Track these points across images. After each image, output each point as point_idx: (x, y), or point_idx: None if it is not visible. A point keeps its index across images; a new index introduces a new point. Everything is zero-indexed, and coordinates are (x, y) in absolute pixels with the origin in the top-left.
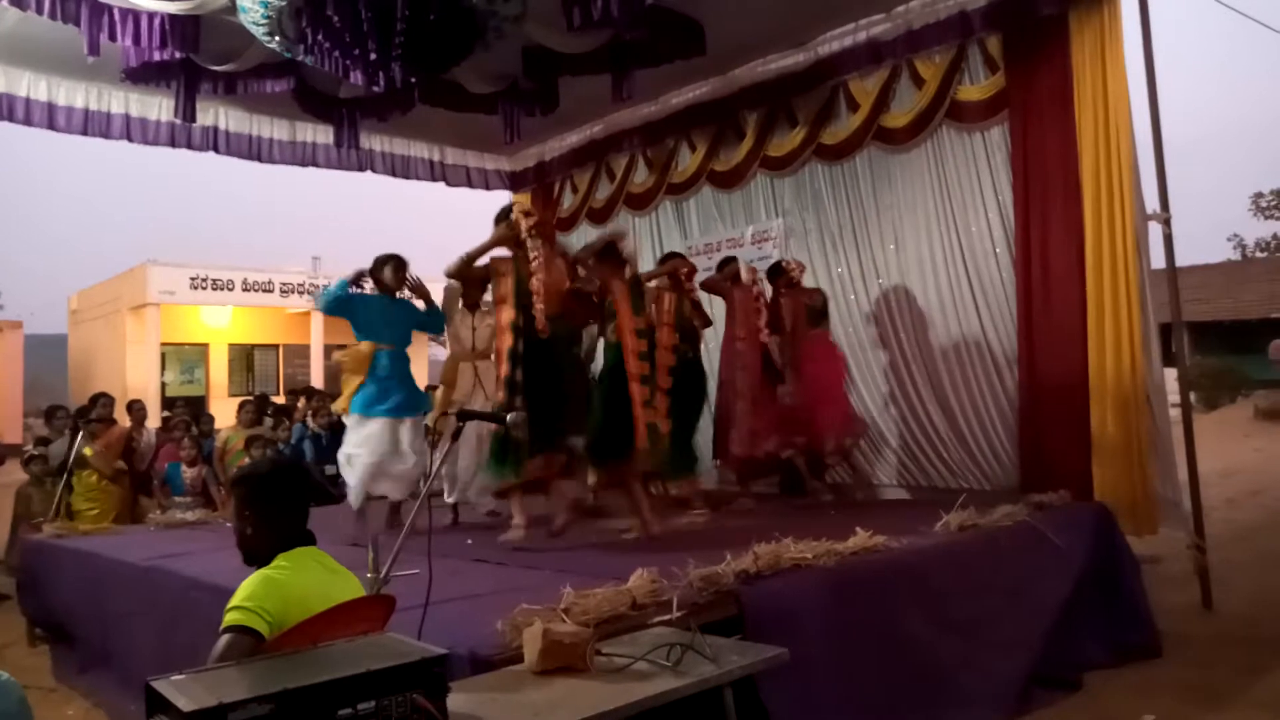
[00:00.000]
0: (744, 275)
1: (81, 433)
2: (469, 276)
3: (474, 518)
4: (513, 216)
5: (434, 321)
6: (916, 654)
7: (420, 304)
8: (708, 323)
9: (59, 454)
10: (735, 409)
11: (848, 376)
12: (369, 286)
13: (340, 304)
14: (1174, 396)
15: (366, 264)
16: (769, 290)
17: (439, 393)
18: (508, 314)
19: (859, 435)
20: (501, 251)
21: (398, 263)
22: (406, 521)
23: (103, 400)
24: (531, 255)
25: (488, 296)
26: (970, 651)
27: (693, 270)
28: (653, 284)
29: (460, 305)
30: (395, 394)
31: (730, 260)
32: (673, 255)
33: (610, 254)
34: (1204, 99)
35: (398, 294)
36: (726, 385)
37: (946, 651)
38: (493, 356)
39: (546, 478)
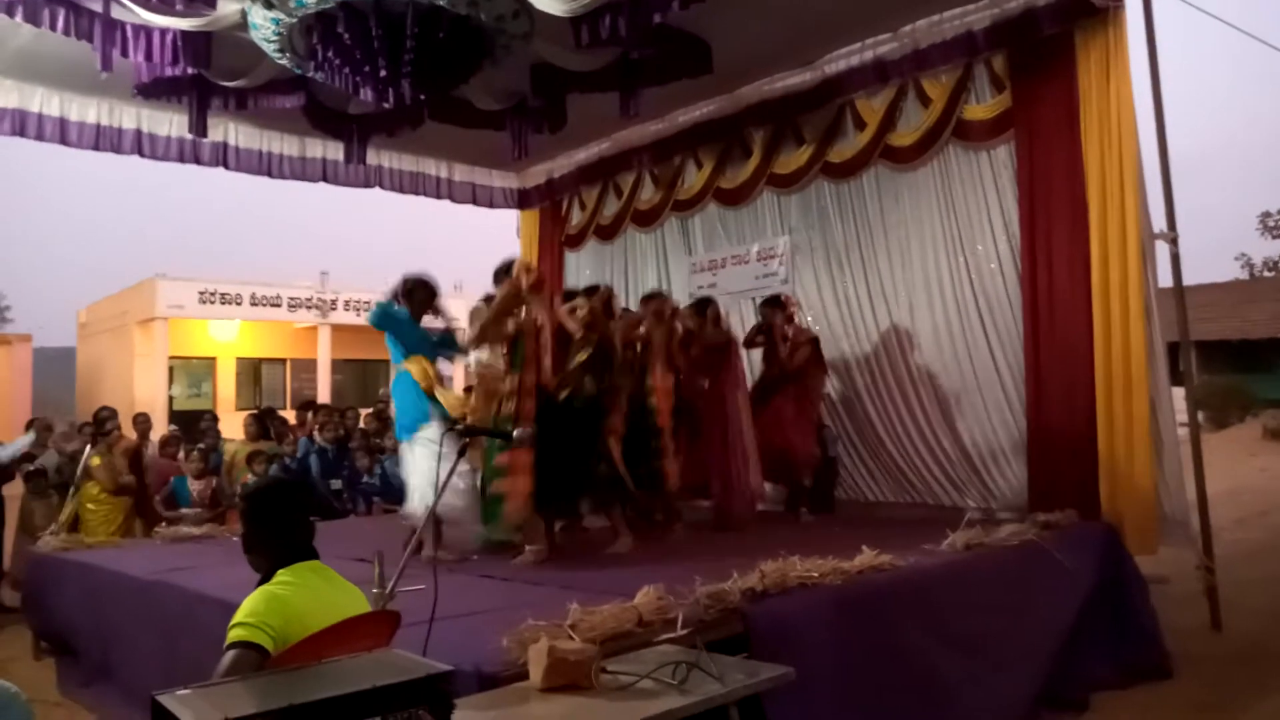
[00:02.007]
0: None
1: (89, 446)
2: (489, 342)
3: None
4: (514, 273)
5: (450, 343)
6: (922, 673)
7: (440, 325)
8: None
9: (51, 464)
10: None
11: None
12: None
13: (389, 319)
14: (1182, 416)
15: (392, 280)
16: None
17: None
18: (520, 376)
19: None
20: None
21: (428, 290)
22: (411, 538)
23: (109, 413)
24: (534, 313)
25: None
26: (976, 671)
27: (675, 312)
28: (642, 329)
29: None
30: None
31: (709, 301)
32: (652, 296)
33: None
34: (1207, 116)
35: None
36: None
37: (952, 671)
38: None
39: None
